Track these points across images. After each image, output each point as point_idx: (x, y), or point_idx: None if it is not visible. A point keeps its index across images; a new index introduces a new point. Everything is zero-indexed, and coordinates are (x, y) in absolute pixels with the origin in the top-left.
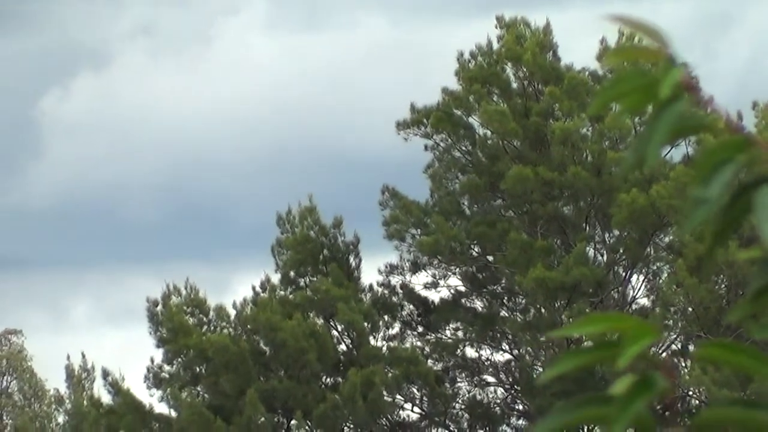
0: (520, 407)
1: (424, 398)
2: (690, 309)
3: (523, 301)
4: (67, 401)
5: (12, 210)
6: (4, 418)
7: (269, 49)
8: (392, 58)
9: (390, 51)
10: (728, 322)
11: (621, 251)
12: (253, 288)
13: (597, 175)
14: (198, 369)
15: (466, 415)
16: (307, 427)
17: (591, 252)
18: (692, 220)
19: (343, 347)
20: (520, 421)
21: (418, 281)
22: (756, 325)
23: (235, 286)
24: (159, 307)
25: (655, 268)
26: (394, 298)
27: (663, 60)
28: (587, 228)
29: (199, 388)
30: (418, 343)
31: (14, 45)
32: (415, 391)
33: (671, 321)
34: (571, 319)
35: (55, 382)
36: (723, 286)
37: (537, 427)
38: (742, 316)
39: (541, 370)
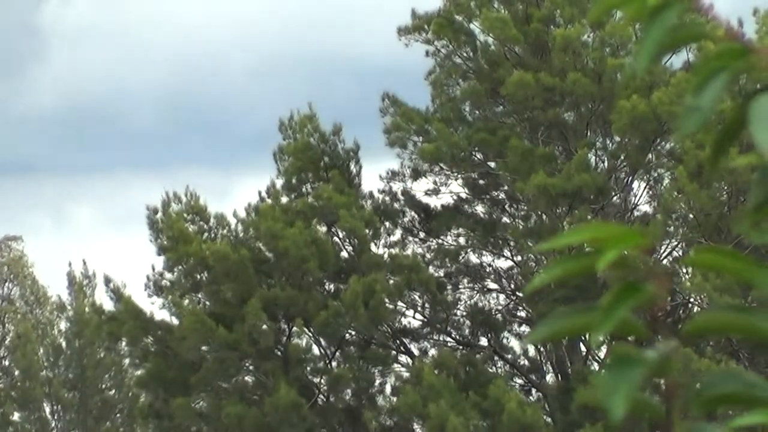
0: (522, 314)
1: (426, 305)
2: (691, 215)
3: (525, 208)
4: (69, 308)
5: (15, 115)
6: (6, 324)
7: None
8: None
9: None
10: (729, 228)
11: (622, 158)
12: (259, 193)
13: (598, 82)
14: (199, 277)
15: (468, 322)
16: (308, 335)
17: (592, 158)
18: (685, 126)
19: (344, 254)
20: (522, 328)
21: (419, 188)
22: (755, 231)
23: (237, 192)
24: (159, 215)
25: (656, 174)
26: (396, 205)
27: None
28: (588, 134)
29: (200, 296)
30: (420, 250)
31: None
32: (417, 298)
33: (672, 227)
34: (572, 225)
35: (56, 288)
36: (724, 192)
37: (527, 336)
38: (746, 227)
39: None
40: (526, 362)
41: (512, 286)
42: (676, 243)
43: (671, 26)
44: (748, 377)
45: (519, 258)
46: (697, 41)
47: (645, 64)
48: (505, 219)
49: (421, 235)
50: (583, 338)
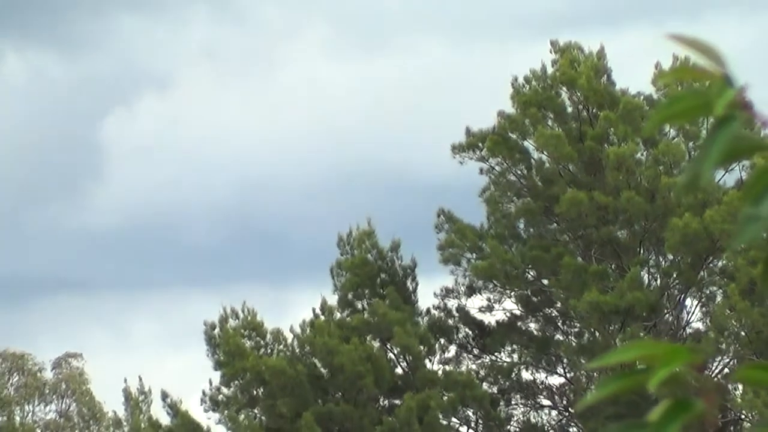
0: (574, 430)
1: (479, 421)
2: (743, 333)
3: (578, 325)
4: (125, 424)
5: (76, 232)
6: None
7: (329, 73)
8: (449, 82)
9: (447, 75)
10: None
11: (674, 275)
12: (313, 310)
13: (651, 200)
14: (255, 392)
15: None
16: None
17: (645, 276)
18: (742, 236)
19: (399, 371)
20: None
21: (474, 305)
22: None
23: (294, 308)
24: (216, 330)
25: (708, 292)
26: (450, 321)
27: (718, 80)
28: (641, 252)
29: (256, 411)
30: (474, 366)
31: (77, 68)
32: (471, 414)
33: (724, 344)
34: (624, 343)
35: (112, 404)
36: None
37: None
38: None
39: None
40: None
41: (564, 402)
42: (727, 360)
43: (734, 136)
44: None
45: (571, 375)
46: (757, 153)
47: (709, 173)
48: (558, 336)
49: (475, 351)
50: None
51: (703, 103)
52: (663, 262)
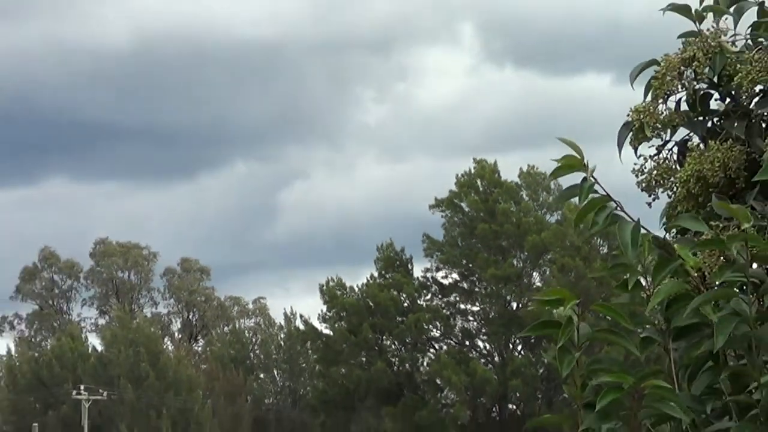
0: (484, 330)
1: (442, 327)
2: (558, 287)
3: (485, 284)
4: (284, 329)
5: (263, 243)
6: (257, 335)
7: (377, 171)
8: (431, 176)
9: (430, 172)
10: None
11: (528, 261)
12: (367, 278)
13: (518, 228)
14: (341, 314)
15: (460, 334)
16: (390, 339)
17: (515, 262)
18: (593, 230)
19: (406, 304)
20: (485, 337)
21: (439, 275)
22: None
23: (359, 277)
24: (324, 287)
25: (544, 269)
26: (428, 282)
27: (584, 161)
28: (513, 252)
29: (342, 323)
30: (439, 302)
31: (267, 168)
32: (438, 323)
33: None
34: (506, 289)
35: (278, 320)
36: (573, 277)
37: (522, 332)
38: (600, 274)
39: (493, 314)
40: (486, 352)
41: (480, 317)
42: None
43: (589, 185)
44: (612, 359)
45: (482, 306)
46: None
47: (580, 197)
48: (476, 289)
49: (440, 296)
50: (512, 342)
51: (573, 164)
52: (523, 256)
